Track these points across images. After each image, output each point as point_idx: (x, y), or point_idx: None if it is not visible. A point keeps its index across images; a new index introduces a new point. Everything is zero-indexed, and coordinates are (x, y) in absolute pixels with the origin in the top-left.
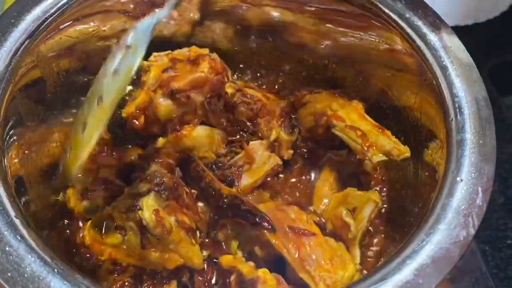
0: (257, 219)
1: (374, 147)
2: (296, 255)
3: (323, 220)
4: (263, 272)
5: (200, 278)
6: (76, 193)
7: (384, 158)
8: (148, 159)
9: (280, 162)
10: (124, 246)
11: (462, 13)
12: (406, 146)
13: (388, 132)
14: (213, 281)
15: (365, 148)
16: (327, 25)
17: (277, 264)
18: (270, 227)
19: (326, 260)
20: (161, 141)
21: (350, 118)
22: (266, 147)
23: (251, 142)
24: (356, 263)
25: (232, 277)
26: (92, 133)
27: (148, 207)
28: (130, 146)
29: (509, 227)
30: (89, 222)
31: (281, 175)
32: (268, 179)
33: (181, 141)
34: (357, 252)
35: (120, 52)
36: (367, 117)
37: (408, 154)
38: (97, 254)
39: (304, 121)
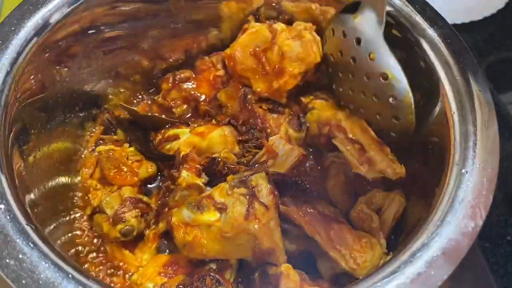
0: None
1: (370, 163)
2: (326, 237)
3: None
4: (286, 268)
5: (226, 275)
6: (105, 219)
7: (379, 175)
8: (177, 167)
9: (304, 152)
10: (219, 223)
11: (459, 11)
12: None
13: (387, 149)
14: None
15: (361, 163)
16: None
17: (306, 260)
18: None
19: (356, 241)
20: (183, 149)
21: (353, 130)
22: (286, 140)
23: (270, 138)
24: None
25: (256, 273)
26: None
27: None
28: (143, 160)
29: (509, 224)
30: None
31: None
32: (295, 171)
33: (198, 144)
34: (383, 242)
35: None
36: (370, 131)
37: (403, 174)
38: (178, 238)
39: (309, 128)
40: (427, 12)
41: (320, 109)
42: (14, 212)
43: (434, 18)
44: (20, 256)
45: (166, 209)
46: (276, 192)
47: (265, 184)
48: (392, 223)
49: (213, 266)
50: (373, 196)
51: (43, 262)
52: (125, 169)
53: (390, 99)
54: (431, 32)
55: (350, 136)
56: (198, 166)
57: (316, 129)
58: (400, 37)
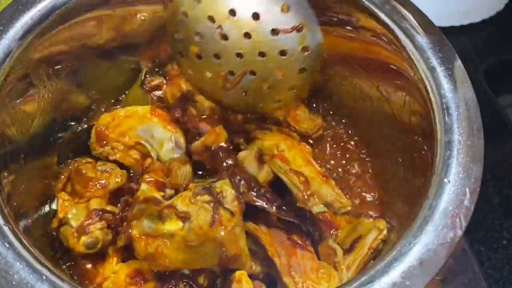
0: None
1: (316, 197)
2: (286, 261)
3: None
4: (239, 274)
5: (200, 280)
6: (70, 232)
7: (325, 209)
8: (137, 179)
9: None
10: (183, 232)
11: (458, 13)
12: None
13: (332, 182)
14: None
15: (306, 197)
16: None
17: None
18: None
19: (313, 270)
20: (148, 160)
21: (296, 161)
22: (255, 157)
23: (240, 153)
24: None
25: (218, 279)
26: None
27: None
28: (113, 170)
29: (504, 228)
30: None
31: None
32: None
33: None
34: (344, 276)
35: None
36: (313, 162)
37: (349, 207)
38: (139, 250)
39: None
40: (417, 17)
41: (262, 138)
42: None
43: (423, 23)
44: None
45: (125, 223)
46: (241, 198)
47: (230, 190)
48: (368, 252)
49: (186, 271)
50: (358, 224)
51: (18, 263)
52: (94, 182)
53: (302, 51)
54: (419, 38)
55: (294, 167)
56: (160, 179)
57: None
58: (388, 43)
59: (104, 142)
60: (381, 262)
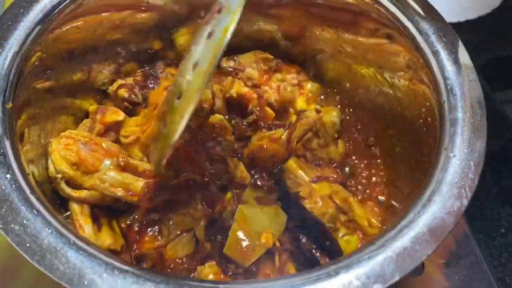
0: None
1: None
2: None
3: None
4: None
5: None
6: None
7: None
8: None
9: None
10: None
11: (454, 10)
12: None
13: None
14: None
15: None
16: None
17: None
18: None
19: None
20: None
21: None
22: None
23: None
24: None
25: None
26: (188, 102)
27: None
28: None
29: (502, 217)
30: None
31: None
32: None
33: None
34: None
35: (214, 15)
36: None
37: None
38: None
39: None
40: (422, 5)
41: None
42: (19, 182)
43: (426, 9)
44: (25, 222)
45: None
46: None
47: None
48: None
49: None
50: None
51: (47, 229)
52: None
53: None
54: (423, 23)
55: None
56: None
57: None
58: (393, 29)
59: None
60: (392, 229)
